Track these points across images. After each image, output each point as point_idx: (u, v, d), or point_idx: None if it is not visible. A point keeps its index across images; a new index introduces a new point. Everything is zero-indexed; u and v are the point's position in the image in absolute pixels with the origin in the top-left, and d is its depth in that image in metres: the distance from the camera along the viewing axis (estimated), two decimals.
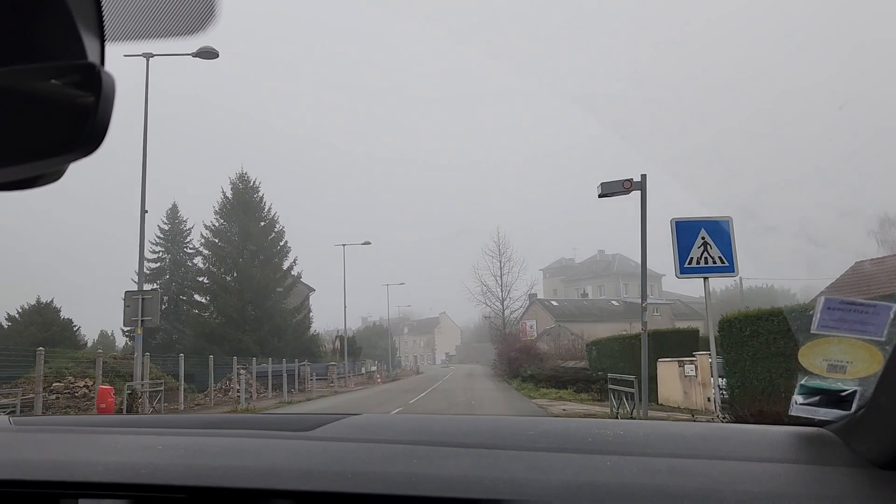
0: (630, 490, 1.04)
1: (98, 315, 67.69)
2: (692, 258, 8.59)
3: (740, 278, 45.12)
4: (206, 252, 44.27)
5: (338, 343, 50.83)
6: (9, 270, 71.49)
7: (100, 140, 0.63)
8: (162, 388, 19.22)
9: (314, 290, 52.32)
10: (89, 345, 42.60)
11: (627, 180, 10.66)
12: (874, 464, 1.07)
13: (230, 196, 44.50)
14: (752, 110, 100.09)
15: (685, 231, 8.65)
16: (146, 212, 17.91)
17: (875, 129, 79.72)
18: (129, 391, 17.04)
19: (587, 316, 63.06)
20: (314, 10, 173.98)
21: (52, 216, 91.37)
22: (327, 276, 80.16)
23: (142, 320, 16.07)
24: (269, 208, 45.66)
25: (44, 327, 35.47)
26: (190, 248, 46.24)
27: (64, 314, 38.11)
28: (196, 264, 45.36)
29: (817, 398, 1.25)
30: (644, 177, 10.93)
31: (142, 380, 18.48)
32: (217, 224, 44.22)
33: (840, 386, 1.23)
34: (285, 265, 45.57)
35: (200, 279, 44.51)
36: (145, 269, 43.74)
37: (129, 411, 16.11)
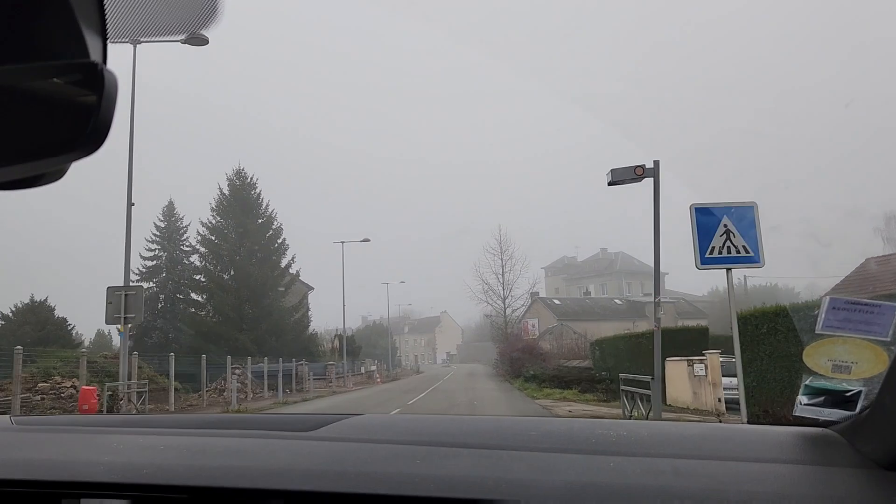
0: (633, 491, 1.03)
1: (98, 314, 67.15)
2: (713, 247, 7.86)
3: (745, 276, 44.64)
4: (202, 250, 43.59)
5: (337, 342, 50.11)
6: (8, 270, 71.08)
7: (102, 139, 0.63)
8: (146, 388, 18.54)
9: (313, 289, 51.68)
10: (86, 344, 42.28)
11: (640, 166, 9.97)
12: (879, 465, 1.06)
13: (227, 193, 43.73)
14: (753, 110, 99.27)
15: (706, 218, 7.91)
16: (132, 204, 17.56)
17: (879, 127, 79.17)
18: (109, 392, 16.43)
19: (590, 314, 62.68)
20: (314, 10, 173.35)
21: (51, 216, 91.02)
22: (326, 274, 79.98)
23: (125, 317, 15.51)
24: (267, 205, 44.96)
25: (38, 326, 35.29)
26: (186, 246, 45.76)
27: (60, 313, 37.83)
28: (193, 262, 44.80)
29: (822, 398, 1.25)
30: (657, 163, 10.26)
31: (128, 379, 17.85)
32: (214, 221, 43.49)
33: (845, 386, 1.23)
34: (283, 263, 44.86)
35: (197, 277, 43.69)
36: (142, 268, 43.83)
37: (109, 412, 15.47)
